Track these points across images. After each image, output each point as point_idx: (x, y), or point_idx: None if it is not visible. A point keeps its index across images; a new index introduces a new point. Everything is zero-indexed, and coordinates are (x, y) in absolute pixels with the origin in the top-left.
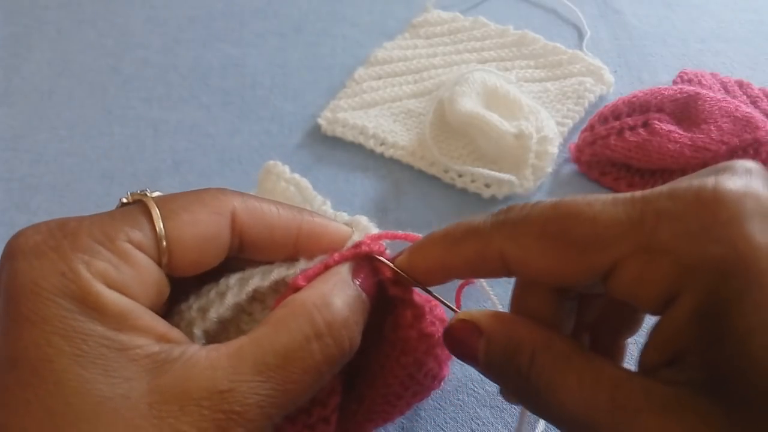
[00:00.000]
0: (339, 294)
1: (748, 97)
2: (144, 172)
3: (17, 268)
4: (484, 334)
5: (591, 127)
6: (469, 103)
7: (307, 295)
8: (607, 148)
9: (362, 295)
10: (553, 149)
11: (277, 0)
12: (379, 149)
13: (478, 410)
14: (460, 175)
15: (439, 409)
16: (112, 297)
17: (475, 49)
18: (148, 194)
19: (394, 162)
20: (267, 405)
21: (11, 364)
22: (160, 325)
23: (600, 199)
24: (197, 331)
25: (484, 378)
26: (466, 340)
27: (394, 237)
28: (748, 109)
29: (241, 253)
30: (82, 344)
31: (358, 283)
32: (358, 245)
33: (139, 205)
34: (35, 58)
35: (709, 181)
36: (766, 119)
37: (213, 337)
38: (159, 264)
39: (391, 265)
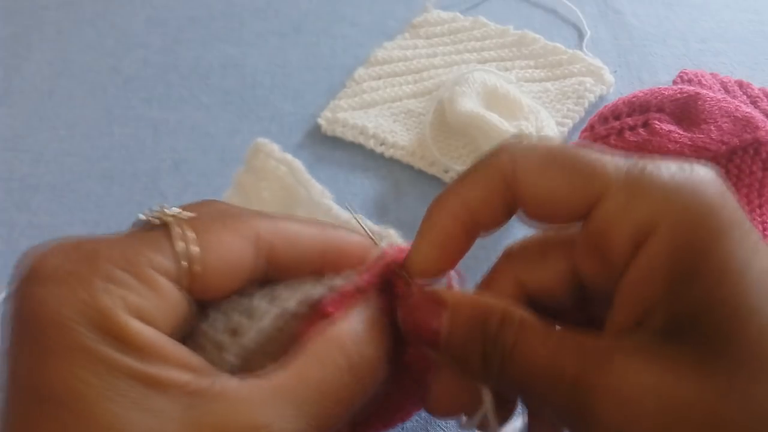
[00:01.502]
0: (372, 326)
1: (748, 97)
2: (144, 172)
3: (37, 294)
4: (448, 307)
5: (591, 127)
6: (469, 103)
7: (341, 327)
8: (607, 148)
9: (393, 326)
10: None
11: (277, 0)
12: (379, 149)
13: None
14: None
15: None
16: (137, 327)
17: (475, 49)
18: (167, 212)
19: (394, 162)
20: None
21: (39, 398)
22: (185, 353)
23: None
24: (230, 357)
25: None
26: (426, 316)
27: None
28: (748, 109)
29: (267, 274)
30: (111, 377)
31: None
32: (381, 258)
33: (165, 227)
34: (35, 58)
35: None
36: (766, 119)
37: (244, 358)
38: (181, 288)
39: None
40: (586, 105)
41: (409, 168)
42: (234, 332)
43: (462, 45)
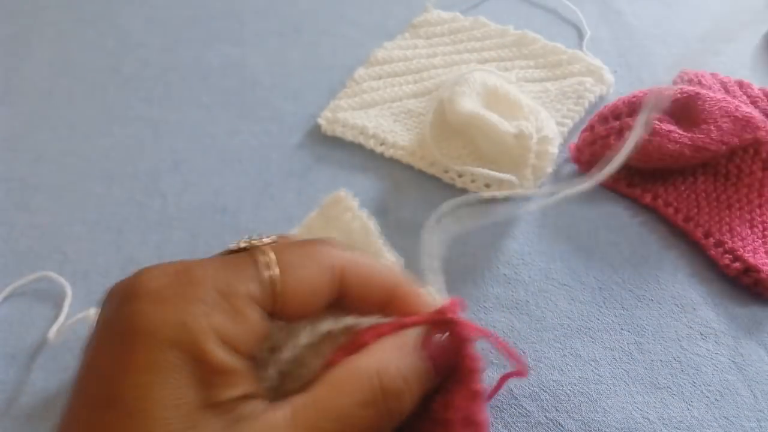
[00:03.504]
0: (401, 362)
1: (748, 97)
2: (144, 172)
3: (138, 310)
4: None
5: (591, 127)
6: (469, 103)
7: (368, 358)
8: (607, 148)
9: (427, 366)
10: (553, 149)
11: (277, 0)
12: (379, 149)
13: None
14: (460, 175)
15: None
16: (222, 355)
17: (475, 49)
18: (258, 243)
19: (394, 162)
20: None
21: (109, 404)
22: (254, 383)
23: None
24: (269, 372)
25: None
26: None
27: (481, 333)
28: (748, 109)
29: (337, 306)
30: (181, 397)
31: (425, 353)
32: (439, 311)
33: (253, 254)
34: (35, 58)
35: None
36: (766, 119)
37: (281, 376)
38: (265, 313)
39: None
40: (586, 105)
41: (409, 168)
42: (273, 350)
43: (462, 45)
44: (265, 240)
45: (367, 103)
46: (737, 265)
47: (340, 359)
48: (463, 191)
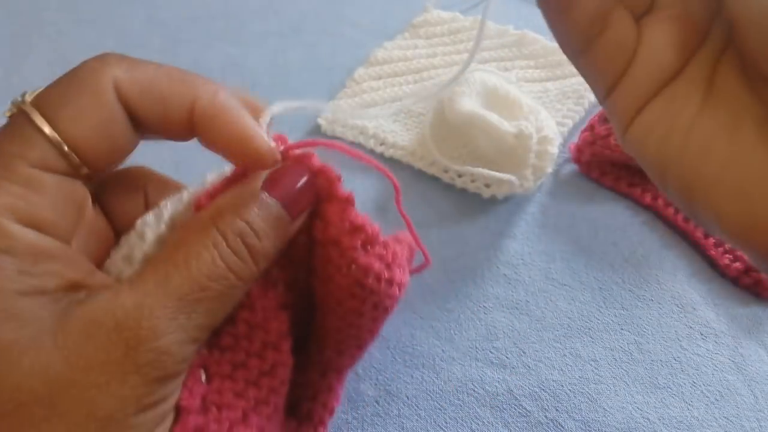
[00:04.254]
0: (238, 205)
1: None
2: None
3: None
4: None
5: (591, 127)
6: (469, 104)
7: (205, 212)
8: (607, 148)
9: (270, 203)
10: (553, 149)
11: (277, 0)
12: (379, 149)
13: (478, 410)
14: (460, 175)
15: (439, 409)
16: (23, 235)
17: None
18: (26, 98)
19: (394, 162)
20: (173, 317)
21: None
22: (78, 267)
23: None
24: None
25: (484, 378)
26: None
27: (311, 144)
28: None
29: (143, 133)
30: None
31: (266, 193)
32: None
33: (22, 116)
34: (35, 58)
35: None
36: None
37: None
38: (70, 173)
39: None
40: (586, 105)
41: (409, 168)
42: (128, 258)
43: (462, 45)
44: (27, 97)
45: (367, 103)
46: (737, 265)
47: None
48: (463, 191)
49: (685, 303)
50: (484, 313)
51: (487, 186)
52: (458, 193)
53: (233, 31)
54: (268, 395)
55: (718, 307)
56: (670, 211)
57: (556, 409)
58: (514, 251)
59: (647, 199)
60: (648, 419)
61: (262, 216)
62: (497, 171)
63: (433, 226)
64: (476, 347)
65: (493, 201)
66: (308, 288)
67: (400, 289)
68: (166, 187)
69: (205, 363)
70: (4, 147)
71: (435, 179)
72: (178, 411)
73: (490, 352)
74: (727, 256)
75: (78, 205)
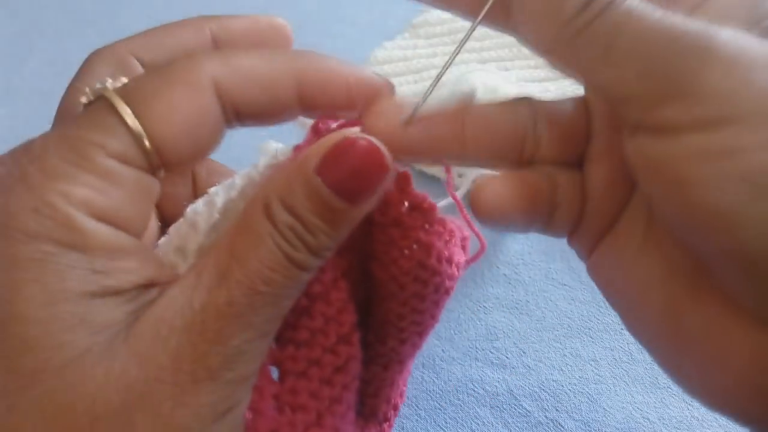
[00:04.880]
0: (287, 193)
1: None
2: None
3: None
4: None
5: None
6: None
7: (258, 198)
8: None
9: (323, 190)
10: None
11: (277, 0)
12: None
13: (478, 410)
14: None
15: (439, 409)
16: (97, 231)
17: (475, 49)
18: (108, 87)
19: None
20: (240, 314)
21: None
22: (151, 264)
23: None
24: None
25: (484, 378)
26: None
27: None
28: None
29: (242, 122)
30: (60, 292)
31: (318, 178)
32: (315, 127)
33: (103, 104)
34: (35, 58)
35: None
36: None
37: None
38: (148, 169)
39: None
40: None
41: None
42: (182, 249)
43: None
44: (112, 84)
45: None
46: None
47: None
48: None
49: None
50: (484, 313)
51: None
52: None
53: None
54: (341, 393)
55: None
56: None
57: (556, 409)
58: (514, 251)
59: None
60: (648, 419)
61: (314, 210)
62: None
63: None
64: (476, 347)
65: None
66: (362, 277)
67: (458, 269)
68: (214, 170)
69: (277, 359)
70: (82, 134)
71: (435, 179)
72: (250, 413)
73: (490, 352)
74: None
75: (151, 201)
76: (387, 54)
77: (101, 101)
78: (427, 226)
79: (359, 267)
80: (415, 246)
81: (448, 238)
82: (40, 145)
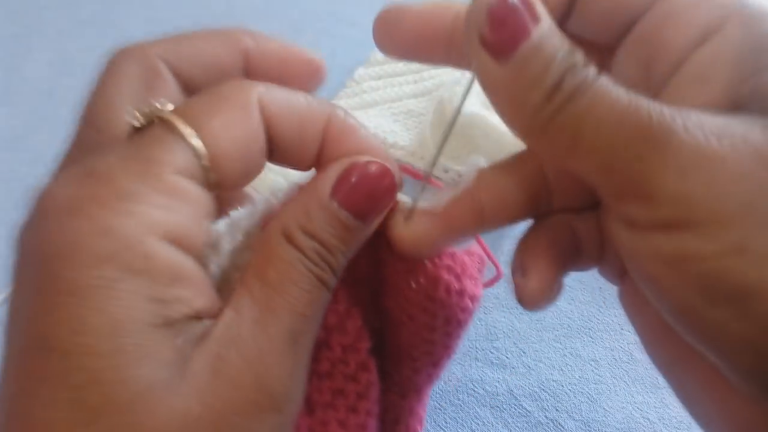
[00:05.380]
0: (302, 216)
1: None
2: None
3: (49, 229)
4: (540, 23)
5: None
6: (469, 104)
7: (274, 222)
8: None
9: (340, 214)
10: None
11: (277, 0)
12: None
13: (478, 410)
14: (460, 175)
15: (439, 409)
16: (162, 253)
17: None
18: (160, 113)
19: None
20: (293, 340)
21: (40, 346)
22: (205, 294)
23: None
24: (213, 268)
25: (484, 378)
26: (521, 18)
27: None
28: None
29: (272, 154)
30: (124, 323)
31: (334, 200)
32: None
33: (160, 124)
34: (35, 58)
35: None
36: None
37: (218, 291)
38: (208, 188)
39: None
40: None
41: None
42: (213, 247)
43: None
44: (167, 106)
45: (367, 103)
46: None
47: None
48: None
49: None
50: (484, 313)
51: None
52: None
53: None
54: (366, 419)
55: None
56: None
57: (556, 409)
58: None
59: None
60: (648, 419)
61: (333, 232)
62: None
63: None
64: (476, 347)
65: None
66: (375, 308)
67: (473, 302)
68: (237, 194)
69: (306, 394)
70: (146, 152)
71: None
72: None
73: (490, 352)
74: None
75: (210, 220)
76: None
77: (158, 121)
78: (435, 259)
79: (372, 297)
80: (422, 279)
81: (460, 271)
82: (103, 166)
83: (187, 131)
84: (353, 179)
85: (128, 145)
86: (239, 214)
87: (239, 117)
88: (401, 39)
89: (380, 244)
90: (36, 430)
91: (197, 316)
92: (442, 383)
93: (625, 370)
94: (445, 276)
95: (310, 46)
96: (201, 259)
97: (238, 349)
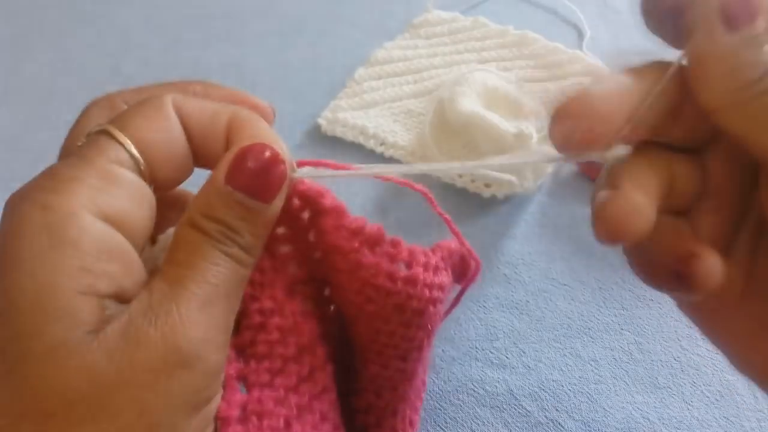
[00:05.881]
0: (203, 203)
1: None
2: None
3: (4, 215)
4: None
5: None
6: (469, 103)
7: (182, 216)
8: None
9: (235, 194)
10: (553, 149)
11: (277, 0)
12: (379, 149)
13: (478, 410)
14: (460, 175)
15: (439, 409)
16: (93, 227)
17: (475, 49)
18: (96, 130)
19: (394, 162)
20: (200, 306)
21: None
22: (133, 275)
23: None
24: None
25: (484, 378)
26: None
27: (316, 164)
28: None
29: (195, 159)
30: (51, 286)
31: (229, 184)
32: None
33: (95, 133)
34: (35, 58)
35: None
36: None
37: None
38: (141, 176)
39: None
40: None
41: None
42: (154, 272)
43: (462, 45)
44: (102, 124)
45: (367, 103)
46: None
47: None
48: (463, 191)
49: None
50: (484, 313)
51: (487, 186)
52: (458, 193)
53: (233, 31)
54: (310, 402)
55: None
56: None
57: (556, 409)
58: (514, 251)
59: None
60: (648, 419)
61: (234, 214)
62: (497, 171)
63: (434, 226)
64: (476, 347)
65: (493, 201)
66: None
67: (430, 290)
68: (179, 197)
69: (242, 374)
70: (83, 151)
71: (435, 179)
72: (218, 422)
73: (490, 352)
74: None
75: (150, 209)
76: (387, 54)
77: (92, 132)
78: (374, 248)
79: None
80: (360, 269)
81: (406, 257)
82: (49, 168)
83: (114, 130)
84: (241, 162)
85: (75, 151)
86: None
87: (157, 113)
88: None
89: (317, 244)
90: None
91: (124, 297)
92: (442, 383)
93: (625, 370)
94: (385, 263)
95: (310, 46)
96: (139, 244)
97: (146, 317)
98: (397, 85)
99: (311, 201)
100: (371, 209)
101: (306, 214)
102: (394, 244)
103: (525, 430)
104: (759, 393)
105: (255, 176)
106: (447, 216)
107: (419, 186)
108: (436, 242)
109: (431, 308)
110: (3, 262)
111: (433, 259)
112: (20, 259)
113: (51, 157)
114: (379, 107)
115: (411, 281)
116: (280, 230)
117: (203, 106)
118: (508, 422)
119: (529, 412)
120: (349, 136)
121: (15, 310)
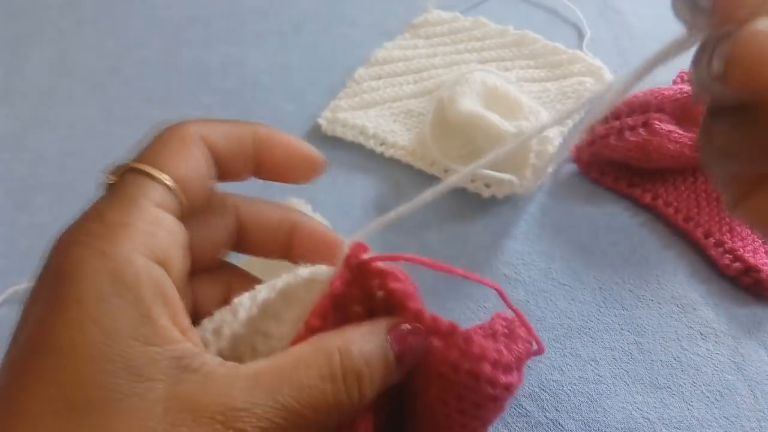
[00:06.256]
0: (364, 343)
1: None
2: None
3: (58, 258)
4: None
5: (591, 127)
6: (469, 103)
7: (335, 337)
8: (607, 148)
9: (388, 352)
10: (553, 149)
11: (277, 0)
12: (379, 149)
13: None
14: (487, 185)
15: None
16: (153, 273)
17: (475, 49)
18: (126, 162)
19: (394, 162)
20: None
21: (39, 346)
22: (185, 318)
23: None
24: (211, 351)
25: None
26: None
27: (391, 259)
28: None
29: (240, 247)
30: (113, 335)
31: (389, 339)
32: (347, 260)
33: (128, 174)
34: (35, 58)
35: None
36: None
37: (226, 356)
38: (180, 215)
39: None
40: None
41: (409, 168)
42: (218, 331)
43: (462, 45)
44: (134, 161)
45: (367, 103)
46: (737, 265)
47: (295, 340)
48: (463, 191)
49: (684, 303)
50: (484, 313)
51: (487, 186)
52: (458, 193)
53: (233, 31)
54: None
55: (718, 307)
56: (670, 210)
57: (556, 409)
58: (514, 251)
59: (647, 199)
60: (648, 419)
61: (379, 366)
62: (497, 171)
63: (433, 226)
64: None
65: (493, 201)
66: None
67: (493, 387)
68: (247, 280)
69: None
70: (126, 191)
71: (435, 179)
72: None
73: None
74: (727, 256)
75: (184, 246)
76: (387, 54)
77: (127, 173)
78: (447, 339)
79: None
80: (428, 356)
81: (477, 353)
82: (93, 210)
83: (154, 170)
84: (411, 334)
85: (111, 192)
86: (259, 288)
87: (185, 147)
88: None
89: None
90: (24, 421)
91: (180, 341)
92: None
93: (625, 370)
94: (453, 354)
95: (310, 46)
96: (180, 284)
97: (225, 415)
98: (397, 85)
99: (390, 293)
100: (371, 209)
101: (380, 294)
102: (466, 339)
103: (525, 430)
104: (759, 393)
105: (414, 350)
106: (520, 312)
107: (492, 283)
108: (517, 328)
109: (491, 405)
110: (62, 301)
111: (506, 358)
112: (81, 300)
113: (51, 157)
114: (379, 107)
115: (474, 375)
116: (357, 308)
117: (226, 130)
118: (508, 422)
119: (529, 412)
120: (349, 136)
121: (80, 357)
